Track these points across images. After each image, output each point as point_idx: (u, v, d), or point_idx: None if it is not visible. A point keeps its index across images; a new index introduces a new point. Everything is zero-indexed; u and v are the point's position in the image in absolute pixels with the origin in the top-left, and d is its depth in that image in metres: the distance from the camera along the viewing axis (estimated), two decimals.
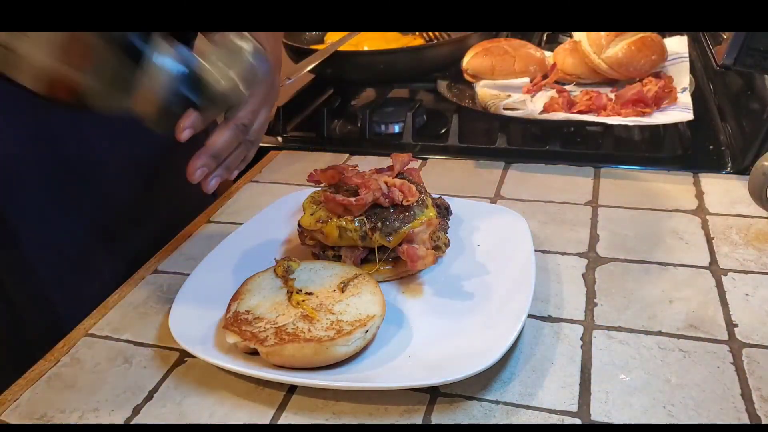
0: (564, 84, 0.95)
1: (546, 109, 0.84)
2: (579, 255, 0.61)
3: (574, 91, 0.92)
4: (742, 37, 0.66)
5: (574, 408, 0.44)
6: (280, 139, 0.95)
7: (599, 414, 0.44)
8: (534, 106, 0.86)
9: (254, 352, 0.48)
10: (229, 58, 0.48)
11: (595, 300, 0.55)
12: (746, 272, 0.57)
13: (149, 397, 0.48)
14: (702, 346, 0.49)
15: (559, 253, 0.62)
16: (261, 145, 0.93)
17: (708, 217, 0.66)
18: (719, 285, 0.56)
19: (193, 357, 0.50)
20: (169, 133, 0.48)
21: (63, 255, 0.63)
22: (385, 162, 0.66)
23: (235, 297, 0.53)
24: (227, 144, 0.53)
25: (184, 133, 0.48)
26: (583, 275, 0.58)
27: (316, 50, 0.97)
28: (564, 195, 0.72)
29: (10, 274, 0.60)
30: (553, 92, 0.90)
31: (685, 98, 0.83)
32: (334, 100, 1.05)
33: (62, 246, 0.63)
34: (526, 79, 0.95)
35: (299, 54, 1.07)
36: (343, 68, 1.00)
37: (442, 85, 0.97)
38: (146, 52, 0.44)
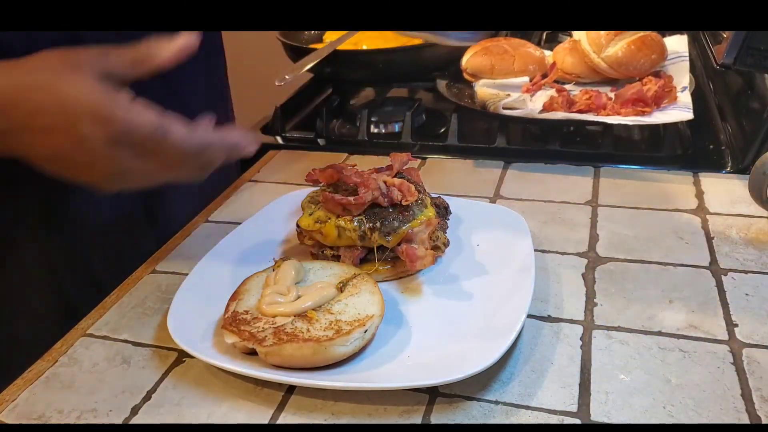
0: (563, 83, 0.95)
1: (545, 109, 0.84)
2: (579, 255, 0.61)
3: (574, 90, 0.92)
4: (742, 36, 0.66)
5: (574, 408, 0.44)
6: (278, 138, 0.94)
7: (599, 414, 0.44)
8: (533, 105, 0.86)
9: (253, 352, 0.48)
10: None
11: (594, 300, 0.55)
12: (746, 272, 0.57)
13: (147, 397, 0.48)
14: (702, 346, 0.49)
15: (559, 253, 0.61)
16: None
17: (708, 216, 0.66)
18: (719, 285, 0.55)
19: (192, 357, 0.50)
20: None
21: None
22: (384, 161, 0.66)
23: (234, 297, 0.52)
24: None
25: None
26: (582, 275, 0.58)
27: (314, 49, 0.97)
28: (563, 194, 0.72)
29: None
30: (552, 91, 0.90)
31: (685, 97, 0.83)
32: (333, 100, 1.05)
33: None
34: (526, 79, 0.95)
35: (297, 53, 1.06)
36: (342, 67, 1.00)
37: (442, 85, 0.97)
38: None
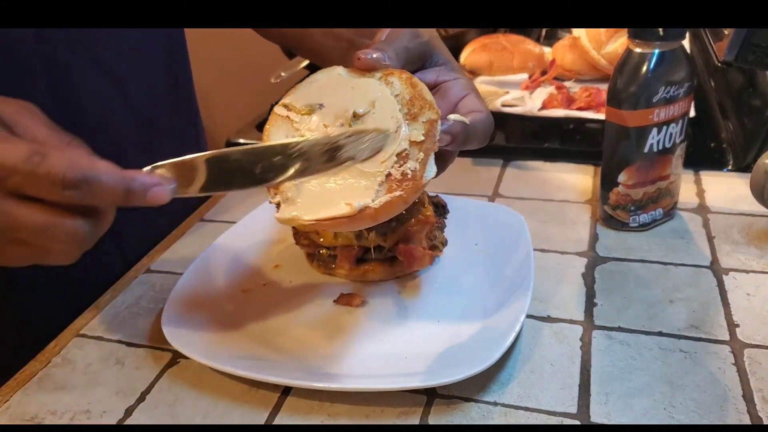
0: (563, 80, 0.94)
1: (545, 106, 0.84)
2: (578, 254, 0.60)
3: (574, 87, 0.91)
4: (744, 34, 0.65)
5: (574, 410, 0.44)
6: None
7: (599, 415, 0.43)
8: (533, 102, 0.86)
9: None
10: None
11: (594, 300, 0.54)
12: (748, 272, 0.56)
13: (141, 398, 0.47)
14: (703, 347, 0.48)
15: (559, 252, 0.61)
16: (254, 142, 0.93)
17: (709, 215, 0.65)
18: (720, 284, 0.55)
19: (186, 358, 0.49)
20: None
21: None
22: None
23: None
24: None
25: None
26: (582, 275, 0.57)
27: None
28: (563, 193, 0.72)
29: None
30: (552, 89, 0.90)
31: None
32: None
33: None
34: (525, 75, 0.94)
35: None
36: None
37: None
38: None
